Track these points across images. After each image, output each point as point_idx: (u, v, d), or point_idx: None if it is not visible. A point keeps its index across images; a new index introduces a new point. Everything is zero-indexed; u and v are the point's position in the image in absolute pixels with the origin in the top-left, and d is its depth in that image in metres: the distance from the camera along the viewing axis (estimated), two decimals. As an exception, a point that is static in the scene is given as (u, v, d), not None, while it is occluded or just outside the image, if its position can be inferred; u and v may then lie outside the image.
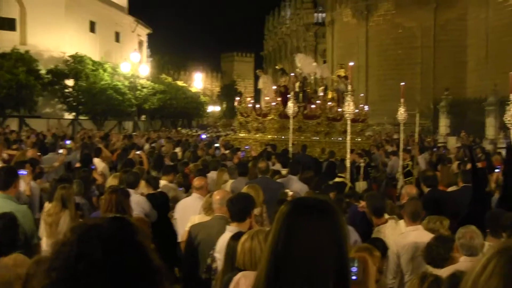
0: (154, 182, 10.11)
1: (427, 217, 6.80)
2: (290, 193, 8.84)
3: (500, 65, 41.99)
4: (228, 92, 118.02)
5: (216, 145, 21.69)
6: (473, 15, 48.55)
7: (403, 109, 15.62)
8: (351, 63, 15.77)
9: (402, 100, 15.51)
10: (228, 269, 4.85)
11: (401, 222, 7.20)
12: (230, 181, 11.24)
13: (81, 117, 46.82)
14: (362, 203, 8.05)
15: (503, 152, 16.84)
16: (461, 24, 49.72)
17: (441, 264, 5.49)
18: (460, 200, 8.83)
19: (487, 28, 45.92)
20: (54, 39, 46.80)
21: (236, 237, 4.97)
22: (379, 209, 7.20)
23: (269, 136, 22.47)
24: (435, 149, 24.98)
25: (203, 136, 33.80)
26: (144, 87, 53.76)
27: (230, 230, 5.64)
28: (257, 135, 23.10)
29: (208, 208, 7.53)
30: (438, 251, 5.62)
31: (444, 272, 5.23)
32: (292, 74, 24.83)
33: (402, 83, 16.24)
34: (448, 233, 6.38)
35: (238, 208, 5.78)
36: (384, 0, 53.11)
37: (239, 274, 4.35)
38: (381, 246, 5.61)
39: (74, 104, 46.03)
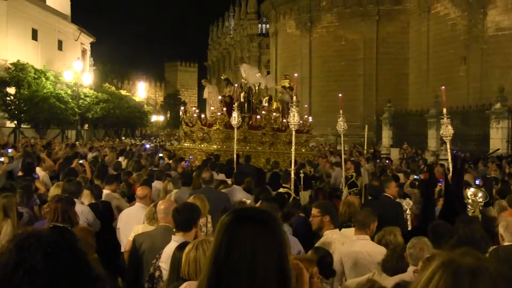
0: (97, 191, 10.03)
1: (382, 229, 6.90)
2: (248, 201, 8.88)
3: (440, 77, 42.93)
4: (172, 102, 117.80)
5: (160, 155, 21.57)
6: (415, 28, 49.46)
7: (343, 121, 15.73)
8: (296, 74, 15.86)
9: (341, 111, 15.61)
10: (173, 279, 4.83)
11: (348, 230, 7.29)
12: (174, 191, 11.23)
13: (23, 126, 45.94)
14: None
15: (446, 163, 17.22)
16: (402, 37, 50.58)
17: (396, 273, 5.62)
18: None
19: (428, 41, 46.83)
20: (-5, 46, 45.96)
21: (181, 247, 4.95)
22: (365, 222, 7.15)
23: (214, 146, 22.48)
24: (378, 161, 25.33)
25: (147, 146, 33.60)
26: (87, 96, 53.21)
27: (176, 240, 5.62)
28: (202, 145, 23.05)
29: (151, 218, 7.51)
30: (392, 261, 5.76)
31: (390, 282, 5.36)
32: (237, 84, 24.89)
33: (340, 95, 16.35)
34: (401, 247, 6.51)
35: (184, 217, 5.77)
36: (327, 12, 53.63)
37: (184, 284, 4.35)
38: (324, 255, 5.68)
39: (16, 112, 45.12)
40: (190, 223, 5.77)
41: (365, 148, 21.83)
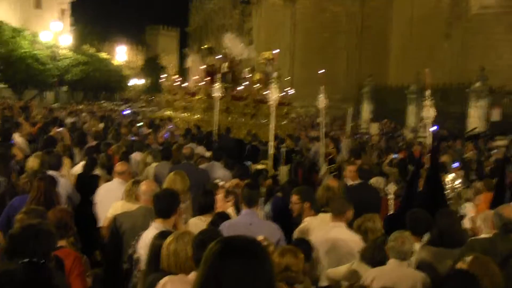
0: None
1: (362, 216, 6.90)
2: (221, 183, 8.83)
3: (423, 53, 43.03)
4: (152, 66, 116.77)
5: (140, 124, 21.43)
6: (398, 3, 49.42)
7: (324, 96, 15.66)
8: (276, 51, 15.78)
9: (322, 87, 15.55)
10: (151, 269, 4.81)
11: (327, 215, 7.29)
12: (154, 164, 11.15)
13: (0, 85, 45.38)
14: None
15: (425, 141, 17.26)
16: (386, 11, 50.49)
17: (376, 265, 5.66)
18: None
19: (412, 17, 46.82)
20: (-30, 4, 45.15)
21: (160, 236, 4.92)
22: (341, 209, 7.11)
23: (196, 116, 22.37)
24: (357, 136, 25.41)
25: (126, 112, 33.34)
26: (66, 58, 52.55)
27: (155, 227, 5.58)
28: (184, 114, 22.93)
29: (130, 195, 7.46)
30: (373, 254, 5.79)
31: (371, 273, 5.42)
32: (219, 56, 24.65)
33: (321, 71, 16.27)
34: (381, 232, 6.53)
35: (164, 205, 5.73)
36: (312, -17, 53.42)
37: (166, 278, 4.31)
38: (306, 248, 5.70)
39: (-8, 71, 44.57)
40: (170, 210, 5.73)
41: (348, 130, 21.72)
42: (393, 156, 16.12)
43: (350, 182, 10.09)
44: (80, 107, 36.14)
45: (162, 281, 4.32)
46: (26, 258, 3.66)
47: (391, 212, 8.82)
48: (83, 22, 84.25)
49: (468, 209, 9.61)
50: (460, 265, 4.86)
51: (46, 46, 49.72)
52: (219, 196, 7.90)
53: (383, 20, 50.62)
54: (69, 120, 21.90)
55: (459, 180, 9.52)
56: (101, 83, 59.70)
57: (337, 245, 6.55)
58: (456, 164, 13.87)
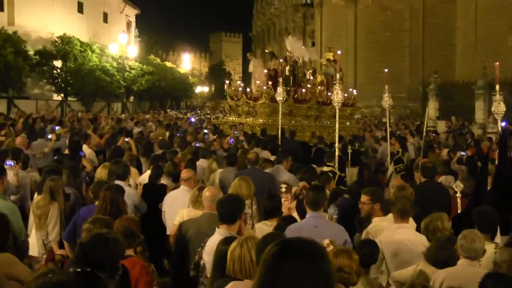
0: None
1: (429, 215, 6.75)
2: (283, 189, 8.83)
3: (489, 48, 42.13)
4: (216, 73, 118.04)
5: (205, 130, 21.61)
6: (462, -3, 48.57)
7: (388, 96, 15.54)
8: (339, 52, 15.69)
9: (386, 86, 15.41)
10: (217, 276, 4.82)
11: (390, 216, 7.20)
12: (219, 170, 11.23)
13: (69, 99, 46.55)
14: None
15: (493, 137, 16.84)
16: (450, 7, 49.56)
17: (441, 266, 5.52)
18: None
19: (476, 11, 45.87)
20: (42, 20, 46.45)
21: (225, 242, 4.94)
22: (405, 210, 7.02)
23: (260, 120, 22.42)
24: (424, 134, 24.95)
25: (192, 119, 33.70)
26: (132, 68, 53.56)
27: (220, 233, 5.61)
28: (248, 119, 23.03)
29: (195, 201, 7.54)
30: (437, 254, 5.66)
31: (440, 275, 5.28)
32: (281, 59, 24.63)
33: (386, 70, 16.13)
34: (449, 232, 6.38)
35: (228, 210, 5.74)
36: (373, -18, 52.92)
37: (231, 284, 4.33)
38: (373, 249, 5.64)
39: (63, 85, 45.74)
40: (234, 215, 5.74)
41: (426, 124, 21.32)
42: (462, 153, 15.76)
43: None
44: (147, 116, 36.67)
45: (227, 287, 4.33)
46: (95, 266, 3.74)
47: (459, 211, 8.63)
48: (148, 33, 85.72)
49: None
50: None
51: (113, 58, 50.81)
52: (284, 198, 7.94)
53: (446, 15, 49.70)
54: (136, 130, 22.27)
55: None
56: (167, 92, 60.48)
57: (404, 247, 6.46)
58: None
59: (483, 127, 30.82)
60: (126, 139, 15.60)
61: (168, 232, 8.21)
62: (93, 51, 48.02)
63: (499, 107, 10.64)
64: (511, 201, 7.16)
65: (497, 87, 10.55)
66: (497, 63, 11.45)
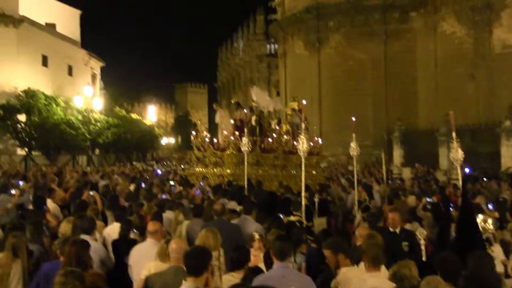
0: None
1: (397, 263, 6.76)
2: (257, 235, 8.82)
3: (450, 95, 42.98)
4: (182, 123, 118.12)
5: (171, 182, 21.53)
6: (422, 46, 49.61)
7: (355, 144, 15.78)
8: (304, 101, 15.91)
9: (354, 135, 15.65)
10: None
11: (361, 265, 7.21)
12: (186, 222, 11.18)
13: (34, 153, 46.13)
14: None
15: (458, 183, 17.08)
16: (410, 55, 50.66)
17: None
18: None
19: (436, 59, 46.94)
20: (6, 74, 46.47)
21: (193, 295, 4.92)
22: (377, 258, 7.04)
23: (228, 171, 22.44)
24: (390, 182, 25.17)
25: (159, 171, 33.57)
26: (97, 121, 53.36)
27: (187, 286, 5.56)
28: (216, 170, 23.04)
29: (163, 254, 7.47)
30: None
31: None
32: (246, 110, 24.76)
33: (353, 118, 16.39)
34: (417, 280, 6.40)
35: (195, 262, 5.70)
36: (335, 32, 53.77)
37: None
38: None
39: (27, 139, 45.39)
40: (201, 267, 5.70)
41: (384, 170, 21.57)
42: (427, 199, 15.93)
43: (392, 229, 10.02)
44: (113, 169, 36.41)
45: None
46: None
47: (424, 259, 8.69)
48: (113, 85, 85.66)
49: (497, 252, 9.44)
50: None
51: (78, 111, 50.64)
52: (256, 247, 7.93)
53: (407, 63, 50.68)
54: (102, 183, 22.12)
55: (490, 221, 9.36)
56: (133, 143, 60.27)
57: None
58: (490, 206, 13.69)
59: (448, 173, 31.20)
60: (91, 193, 15.47)
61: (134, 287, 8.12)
62: (58, 105, 47.84)
63: (457, 154, 10.89)
64: (474, 247, 7.23)
65: (454, 134, 10.81)
66: (452, 112, 11.84)
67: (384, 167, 20.98)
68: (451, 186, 20.42)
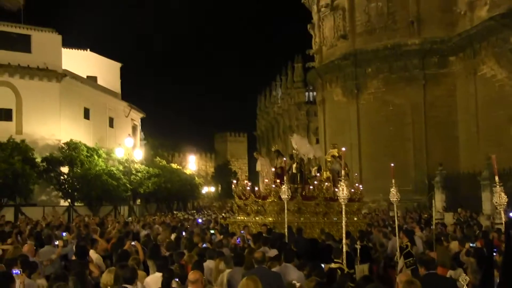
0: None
1: None
2: (298, 284, 8.79)
3: (491, 139, 42.50)
4: (222, 172, 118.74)
5: (212, 231, 21.55)
6: (462, 90, 49.21)
7: (395, 190, 15.67)
8: (344, 148, 15.93)
9: (393, 180, 15.55)
10: None
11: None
12: (227, 271, 11.17)
13: (76, 204, 46.73)
14: None
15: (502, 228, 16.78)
16: (450, 100, 50.25)
17: None
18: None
19: (476, 103, 46.53)
20: (49, 127, 47.42)
21: None
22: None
23: (269, 219, 22.39)
24: (432, 227, 24.82)
25: (199, 220, 33.62)
26: (138, 171, 54.04)
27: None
28: (257, 218, 23.03)
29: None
30: None
31: None
32: (285, 158, 24.81)
33: (392, 164, 16.31)
34: None
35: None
36: (373, 78, 53.66)
37: None
38: None
39: (69, 190, 46.12)
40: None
41: (433, 214, 21.40)
42: (470, 245, 15.65)
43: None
44: (154, 218, 36.63)
45: None
46: None
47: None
48: (153, 136, 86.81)
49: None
50: None
51: (119, 162, 51.35)
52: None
53: (447, 108, 50.27)
54: (143, 233, 22.26)
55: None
56: (174, 193, 60.62)
57: None
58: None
59: (491, 218, 30.63)
60: (133, 243, 15.59)
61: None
62: (99, 156, 48.67)
63: (500, 198, 10.74)
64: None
65: (496, 178, 10.69)
66: (494, 155, 11.71)
67: (434, 212, 20.83)
68: (495, 231, 20.05)
